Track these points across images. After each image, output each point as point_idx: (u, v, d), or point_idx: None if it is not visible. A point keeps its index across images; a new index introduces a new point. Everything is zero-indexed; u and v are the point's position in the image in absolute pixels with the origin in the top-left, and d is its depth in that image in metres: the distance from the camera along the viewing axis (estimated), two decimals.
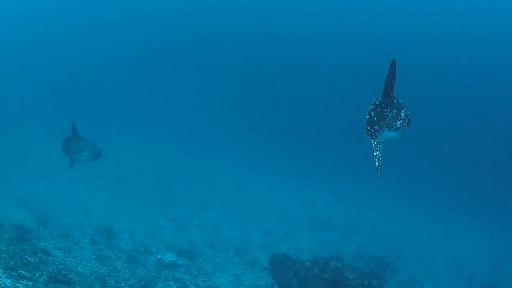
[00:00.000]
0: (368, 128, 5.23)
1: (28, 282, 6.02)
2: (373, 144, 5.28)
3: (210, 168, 19.98)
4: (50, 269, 7.03)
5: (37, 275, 6.51)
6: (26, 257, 7.09)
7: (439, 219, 19.96)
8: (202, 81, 29.42)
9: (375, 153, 5.28)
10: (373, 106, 5.28)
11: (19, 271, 6.30)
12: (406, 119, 5.32)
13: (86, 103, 24.97)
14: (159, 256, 10.45)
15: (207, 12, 31.59)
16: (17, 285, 5.82)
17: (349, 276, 9.44)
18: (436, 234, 18.49)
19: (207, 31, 31.18)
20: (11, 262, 6.49)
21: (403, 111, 5.33)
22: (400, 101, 5.37)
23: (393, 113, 5.23)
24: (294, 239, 14.52)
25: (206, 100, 28.11)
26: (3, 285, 5.61)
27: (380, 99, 5.30)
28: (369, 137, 5.28)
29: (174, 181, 17.91)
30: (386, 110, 5.22)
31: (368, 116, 5.28)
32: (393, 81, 5.21)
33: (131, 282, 8.28)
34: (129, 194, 15.46)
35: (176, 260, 10.52)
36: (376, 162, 5.29)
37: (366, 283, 9.37)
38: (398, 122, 5.29)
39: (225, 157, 21.68)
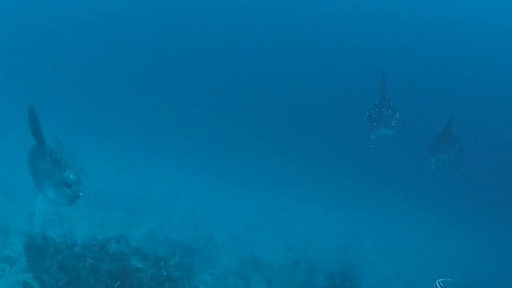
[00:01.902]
0: (368, 123, 9.79)
1: None
2: (372, 138, 9.86)
3: None
4: None
5: None
6: None
7: (261, 190, 23.28)
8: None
9: (372, 146, 9.74)
10: (372, 106, 9.89)
11: None
12: (400, 120, 9.92)
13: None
14: None
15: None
16: None
17: (138, 265, 9.09)
18: (257, 209, 21.47)
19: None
20: None
21: (398, 113, 9.89)
22: (395, 104, 9.60)
23: (389, 113, 9.73)
24: (67, 222, 14.90)
25: None
26: None
27: (378, 100, 9.87)
28: (369, 131, 9.73)
29: None
30: (383, 110, 9.79)
31: (368, 114, 9.85)
32: (385, 85, 9.62)
33: None
34: None
35: None
36: (371, 154, 9.64)
37: (165, 273, 9.17)
38: (393, 122, 9.99)
39: None
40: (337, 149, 32.64)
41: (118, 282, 8.39)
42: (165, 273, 9.10)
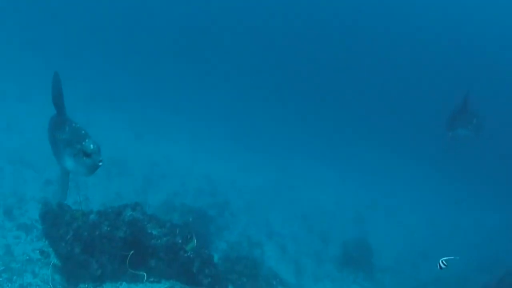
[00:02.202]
0: (448, 123, 12.33)
1: None
2: (449, 135, 12.30)
3: None
4: None
5: None
6: None
7: (278, 157, 23.36)
8: None
9: (448, 143, 12.41)
10: (454, 108, 12.23)
11: None
12: (477, 125, 12.22)
13: None
14: None
15: None
16: None
17: (154, 232, 9.24)
18: (273, 177, 21.25)
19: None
20: None
21: (476, 119, 12.23)
22: (476, 111, 12.05)
23: (468, 117, 12.17)
24: (83, 190, 14.72)
25: None
26: None
27: (460, 106, 12.15)
28: (447, 130, 12.15)
29: None
30: (463, 114, 12.13)
31: (449, 114, 12.48)
32: (468, 99, 12.25)
33: None
34: None
35: None
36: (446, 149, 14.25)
37: (180, 241, 9.30)
38: (470, 126, 12.27)
39: None
40: (353, 117, 32.62)
41: (132, 252, 8.52)
42: (180, 241, 9.21)
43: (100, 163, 6.79)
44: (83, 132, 6.81)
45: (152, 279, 8.67)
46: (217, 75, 33.85)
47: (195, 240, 8.56)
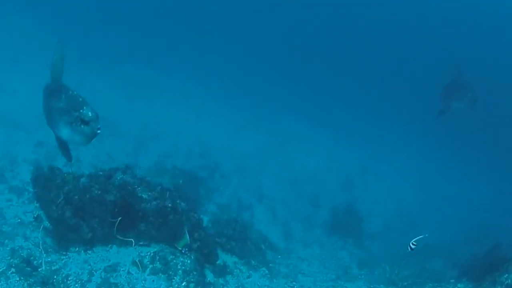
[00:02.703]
0: (442, 96, 13.16)
1: None
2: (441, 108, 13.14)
3: None
4: None
5: None
6: None
7: (270, 120, 23.41)
8: None
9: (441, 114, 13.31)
10: (448, 82, 13.05)
11: None
12: (472, 99, 12.51)
13: None
14: None
15: None
16: None
17: (144, 196, 9.31)
18: (264, 140, 21.35)
19: None
20: None
21: (470, 93, 12.51)
22: (470, 84, 12.54)
23: (462, 92, 12.60)
24: (73, 150, 14.86)
25: None
26: None
27: (454, 79, 12.78)
28: (443, 103, 13.13)
29: None
30: (457, 88, 12.73)
31: (443, 88, 13.27)
32: (461, 74, 12.92)
33: None
34: None
35: None
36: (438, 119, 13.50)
37: (170, 205, 9.37)
38: (465, 99, 12.68)
39: None
40: (346, 81, 32.56)
41: (119, 218, 8.59)
42: (170, 205, 9.30)
43: (99, 131, 6.65)
44: (80, 99, 6.67)
45: (141, 243, 8.80)
46: (209, 36, 33.57)
47: (188, 237, 8.64)
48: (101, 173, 9.27)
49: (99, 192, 8.80)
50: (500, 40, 37.43)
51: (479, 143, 26.16)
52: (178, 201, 9.61)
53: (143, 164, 15.21)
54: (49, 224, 8.71)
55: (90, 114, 6.51)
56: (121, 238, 8.56)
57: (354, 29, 41.42)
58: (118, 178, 9.27)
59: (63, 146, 7.36)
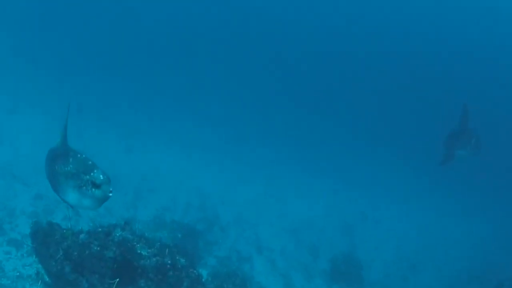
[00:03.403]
0: (445, 147, 12.90)
1: None
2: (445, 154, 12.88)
3: None
4: None
5: None
6: None
7: (267, 170, 23.68)
8: None
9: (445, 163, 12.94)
10: (451, 131, 12.82)
11: None
12: (475, 146, 12.57)
13: None
14: None
15: None
16: None
17: (143, 253, 9.44)
18: (262, 190, 21.66)
19: None
20: None
21: (474, 139, 12.49)
22: (473, 131, 12.56)
23: (465, 139, 12.57)
24: None
25: None
26: None
27: (458, 127, 12.66)
28: (446, 151, 12.88)
29: None
30: (460, 135, 12.58)
31: (446, 138, 12.97)
32: (467, 117, 12.52)
33: None
34: None
35: None
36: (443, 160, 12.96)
37: (169, 262, 9.51)
38: (469, 147, 12.58)
39: None
40: (342, 130, 32.93)
41: (117, 279, 8.70)
42: (169, 262, 9.40)
43: (111, 194, 6.55)
44: (90, 162, 6.58)
45: None
46: (207, 87, 34.10)
47: None
48: (100, 229, 9.40)
49: (98, 249, 8.91)
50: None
51: (478, 180, 26.37)
52: (177, 257, 9.70)
53: (141, 217, 15.35)
54: (48, 279, 8.79)
55: (101, 177, 6.42)
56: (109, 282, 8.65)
57: (354, 70, 41.92)
58: (117, 234, 9.40)
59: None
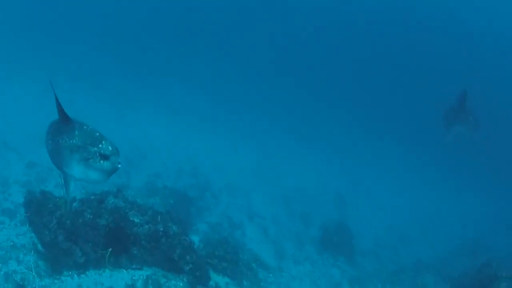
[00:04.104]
0: (445, 121, 13.10)
1: None
2: (447, 134, 13.10)
3: None
4: None
5: None
6: None
7: (261, 139, 23.81)
8: None
9: (447, 140, 13.16)
10: (451, 106, 13.09)
11: None
12: (474, 123, 13.02)
13: None
14: None
15: None
16: None
17: (136, 220, 9.62)
18: (256, 158, 21.82)
19: None
20: None
21: (472, 117, 12.95)
22: (472, 109, 12.92)
23: (464, 116, 12.81)
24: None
25: None
26: None
27: (456, 104, 12.94)
28: (446, 127, 13.06)
29: None
30: (459, 112, 12.84)
31: (445, 113, 13.20)
32: (465, 99, 12.92)
33: None
34: None
35: None
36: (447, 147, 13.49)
37: (161, 229, 9.70)
38: (467, 123, 12.91)
39: None
40: (338, 100, 33.05)
41: (110, 249, 8.88)
42: (161, 229, 9.60)
43: (119, 165, 6.43)
44: (97, 134, 6.43)
45: (134, 266, 9.07)
46: (202, 53, 34.00)
47: None
48: (92, 197, 9.54)
49: (91, 217, 9.07)
50: None
51: (472, 157, 26.63)
52: (169, 225, 9.87)
53: (134, 184, 15.48)
54: (42, 248, 8.96)
55: (110, 148, 6.29)
56: (111, 269, 8.82)
57: (348, 45, 41.98)
58: (110, 202, 9.55)
59: (68, 184, 6.96)
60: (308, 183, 20.98)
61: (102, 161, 6.28)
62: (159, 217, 9.84)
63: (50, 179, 14.33)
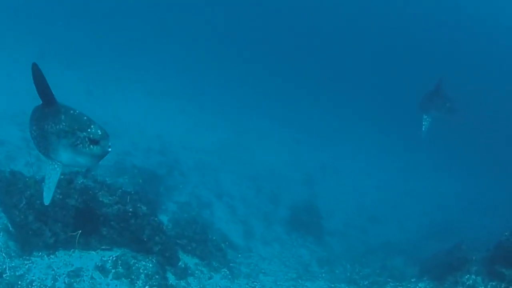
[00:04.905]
0: (421, 106, 13.33)
1: None
2: (424, 117, 13.30)
3: None
4: None
5: None
6: None
7: (230, 118, 23.94)
8: None
9: (423, 123, 13.27)
10: (427, 93, 13.30)
11: None
12: (450, 108, 13.11)
13: None
14: None
15: None
16: None
17: (105, 200, 9.77)
18: (224, 137, 22.08)
19: None
20: None
21: (448, 103, 13.11)
22: (448, 95, 13.09)
23: (440, 101, 13.07)
24: (35, 149, 14.87)
25: None
26: None
27: (432, 89, 13.19)
28: (422, 112, 13.26)
29: None
30: (435, 98, 13.07)
31: (422, 99, 13.45)
32: (440, 85, 13.14)
33: None
34: None
35: None
36: (424, 128, 13.21)
37: (130, 209, 9.86)
38: (443, 109, 13.07)
39: None
40: (309, 79, 33.25)
41: (79, 231, 9.03)
42: (131, 209, 9.77)
43: (109, 149, 6.35)
44: (85, 118, 6.34)
45: (104, 247, 9.25)
46: (172, 32, 33.83)
47: None
48: (62, 177, 9.58)
49: (61, 197, 9.19)
50: None
51: (443, 138, 27.17)
52: (138, 205, 10.04)
53: (103, 163, 15.48)
54: (12, 229, 9.05)
55: (99, 132, 6.20)
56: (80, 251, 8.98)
57: (318, 20, 42.07)
58: (79, 182, 9.67)
59: (51, 182, 6.81)
60: (278, 162, 21.27)
61: (92, 146, 6.22)
62: (128, 198, 9.99)
63: (20, 158, 14.28)
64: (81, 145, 6.22)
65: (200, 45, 33.11)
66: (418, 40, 41.11)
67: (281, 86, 30.92)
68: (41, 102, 6.75)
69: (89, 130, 6.20)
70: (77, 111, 6.40)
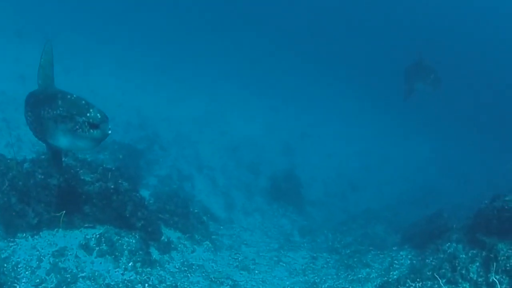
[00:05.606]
0: (405, 78, 13.91)
1: None
2: (408, 89, 14.01)
3: None
4: None
5: None
6: None
7: (208, 88, 24.06)
8: None
9: (407, 94, 13.99)
10: (411, 64, 13.84)
11: None
12: (435, 80, 13.63)
13: None
14: None
15: None
16: None
17: (86, 178, 9.95)
18: (203, 108, 22.23)
19: None
20: None
21: (433, 74, 13.56)
22: (433, 67, 13.57)
23: (425, 73, 13.57)
24: (15, 130, 14.86)
25: None
26: None
27: (416, 61, 13.64)
28: (407, 84, 13.84)
29: None
30: (420, 69, 13.57)
31: (406, 70, 13.96)
32: (422, 57, 13.62)
33: None
34: None
35: None
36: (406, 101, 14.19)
37: (112, 186, 10.06)
38: (428, 80, 13.54)
39: None
40: (287, 45, 33.26)
41: (63, 212, 9.21)
42: (112, 186, 9.97)
43: (109, 132, 6.30)
44: (83, 102, 6.27)
45: (87, 225, 9.47)
46: (147, 3, 33.55)
47: None
48: (43, 156, 9.75)
49: (43, 177, 9.34)
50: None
51: (424, 104, 27.51)
52: (120, 181, 10.25)
53: None
54: None
55: (99, 115, 6.15)
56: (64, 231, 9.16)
57: None
58: None
59: (56, 158, 7.06)
60: (257, 132, 21.48)
61: (92, 130, 6.16)
62: (109, 174, 10.19)
63: (0, 139, 14.29)
64: (80, 129, 6.17)
65: (175, 16, 32.90)
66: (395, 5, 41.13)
67: (257, 54, 30.89)
68: (31, 89, 6.87)
69: (88, 114, 6.13)
70: (75, 96, 6.38)
